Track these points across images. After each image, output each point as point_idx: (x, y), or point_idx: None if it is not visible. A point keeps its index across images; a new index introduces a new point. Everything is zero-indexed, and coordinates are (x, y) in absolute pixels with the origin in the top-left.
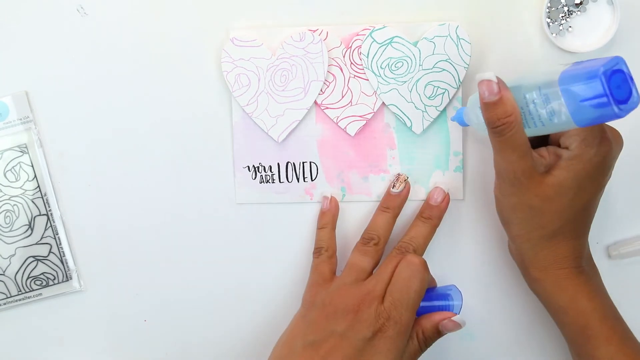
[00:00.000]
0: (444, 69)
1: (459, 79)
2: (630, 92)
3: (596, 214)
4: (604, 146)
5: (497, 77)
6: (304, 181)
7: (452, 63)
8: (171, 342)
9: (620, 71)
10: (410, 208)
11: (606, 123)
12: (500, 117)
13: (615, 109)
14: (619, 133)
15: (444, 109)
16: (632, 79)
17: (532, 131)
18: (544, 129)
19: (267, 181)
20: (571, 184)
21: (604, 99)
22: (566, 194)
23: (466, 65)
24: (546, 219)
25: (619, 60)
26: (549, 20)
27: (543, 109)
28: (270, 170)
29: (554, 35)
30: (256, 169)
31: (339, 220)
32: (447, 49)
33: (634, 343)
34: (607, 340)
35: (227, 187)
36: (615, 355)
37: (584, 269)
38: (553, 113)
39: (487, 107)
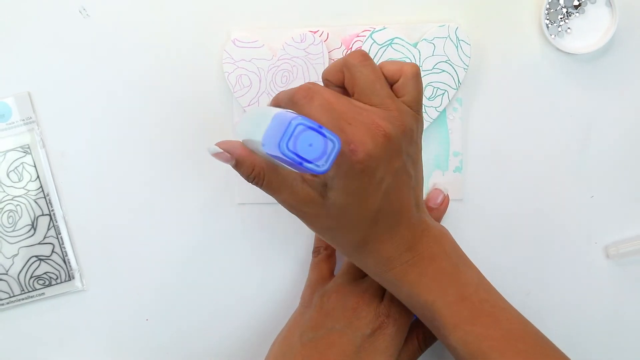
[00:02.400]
0: (443, 70)
1: (458, 80)
2: (325, 145)
3: (596, 214)
4: (357, 154)
5: (223, 142)
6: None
7: (452, 64)
8: (173, 341)
9: (304, 129)
10: None
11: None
12: (247, 174)
13: (315, 167)
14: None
15: (444, 110)
16: (318, 128)
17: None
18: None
19: None
20: (346, 201)
21: (300, 167)
22: (348, 210)
23: (466, 67)
24: (346, 235)
25: (295, 122)
26: (547, 21)
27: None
28: None
29: (553, 36)
30: None
31: None
32: (447, 50)
33: (488, 318)
34: (454, 326)
35: (227, 187)
36: (465, 337)
37: (418, 258)
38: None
39: (236, 170)
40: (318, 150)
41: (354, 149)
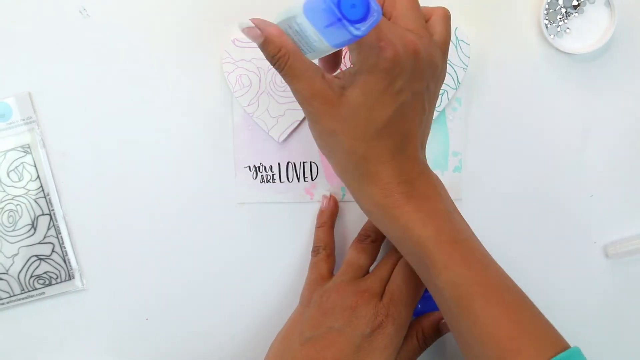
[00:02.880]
0: None
1: (458, 80)
2: (368, 10)
3: (595, 213)
4: (386, 52)
5: (256, 19)
6: (304, 181)
7: (451, 64)
8: (173, 340)
9: None
10: None
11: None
12: (273, 54)
13: (353, 30)
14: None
15: (443, 110)
16: None
17: (311, 56)
18: (318, 53)
19: (268, 181)
20: (362, 100)
21: (339, 24)
22: (359, 112)
23: (465, 67)
24: (349, 142)
25: None
26: (547, 22)
27: (305, 37)
28: (271, 170)
29: (552, 36)
30: (257, 168)
31: (338, 220)
32: None
33: (478, 264)
34: (444, 267)
35: (228, 187)
36: (455, 279)
37: (415, 193)
38: (314, 39)
39: (261, 49)
40: (359, 13)
41: (384, 46)
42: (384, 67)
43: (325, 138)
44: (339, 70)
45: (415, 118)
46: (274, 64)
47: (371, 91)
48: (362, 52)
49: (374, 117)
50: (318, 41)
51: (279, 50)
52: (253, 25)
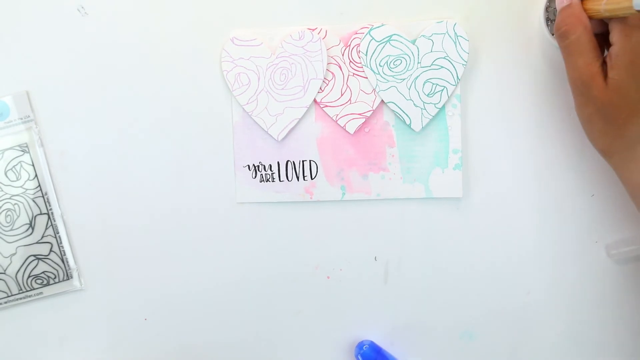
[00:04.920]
0: (442, 67)
1: (457, 76)
2: None
3: (596, 213)
4: None
5: None
6: (304, 180)
7: (451, 60)
8: (171, 340)
9: None
10: (411, 208)
11: None
12: (565, 19)
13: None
14: None
15: (443, 106)
16: None
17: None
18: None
19: (267, 180)
20: (628, 81)
21: None
22: (627, 93)
23: (464, 62)
24: (620, 125)
25: None
26: (547, 19)
27: None
28: (270, 169)
29: (552, 35)
30: (256, 167)
31: (338, 221)
32: (445, 46)
33: None
34: None
35: (227, 186)
36: None
37: None
38: None
39: (559, 13)
40: None
41: None
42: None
43: (595, 120)
44: None
45: None
46: (559, 30)
47: (636, 71)
48: (624, 31)
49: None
50: None
51: (573, 17)
52: None
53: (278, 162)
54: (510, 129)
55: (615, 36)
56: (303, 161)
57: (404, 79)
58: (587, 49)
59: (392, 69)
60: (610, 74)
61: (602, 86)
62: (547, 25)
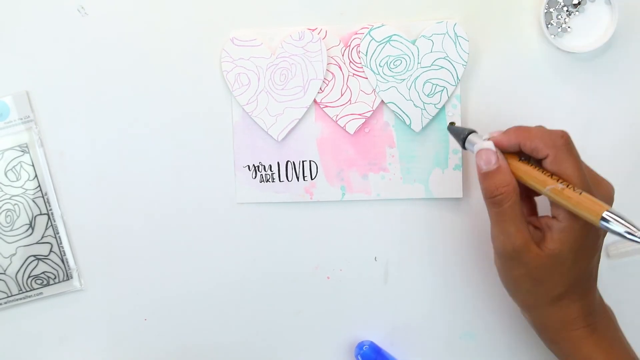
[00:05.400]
0: (442, 67)
1: (457, 77)
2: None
3: None
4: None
5: (496, 147)
6: (304, 180)
7: (450, 60)
8: (171, 341)
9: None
10: (411, 208)
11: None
12: (499, 187)
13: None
14: (610, 186)
15: (443, 107)
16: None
17: None
18: None
19: (267, 180)
20: (567, 255)
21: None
22: (564, 263)
23: (464, 63)
24: (549, 286)
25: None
26: (547, 20)
27: None
28: (270, 170)
29: (552, 35)
30: (256, 168)
31: (338, 221)
32: (445, 47)
33: None
34: None
35: (227, 187)
36: None
37: (597, 325)
38: None
39: (486, 177)
40: None
41: (607, 192)
42: (588, 229)
43: (522, 281)
44: None
45: (594, 265)
46: (492, 196)
47: (577, 248)
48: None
49: (576, 266)
50: None
51: (507, 185)
52: (493, 149)
53: (278, 163)
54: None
55: (562, 215)
56: (303, 161)
57: (404, 79)
58: (519, 215)
59: (392, 69)
60: (550, 245)
61: (535, 252)
62: (547, 26)
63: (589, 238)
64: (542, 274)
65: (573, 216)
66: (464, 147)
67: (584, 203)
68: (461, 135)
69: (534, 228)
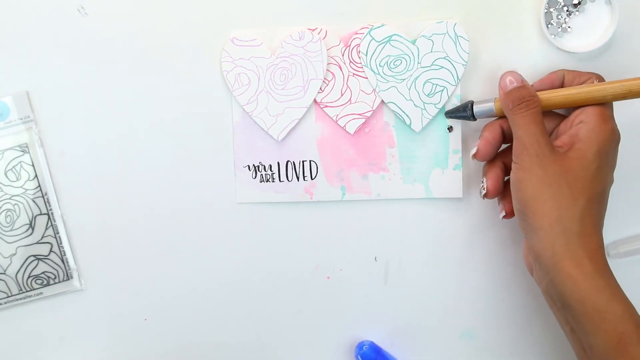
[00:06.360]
0: (442, 67)
1: (457, 76)
2: None
3: None
4: (614, 126)
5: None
6: (304, 180)
7: (451, 60)
8: (171, 341)
9: None
10: (411, 208)
11: None
12: (525, 96)
13: None
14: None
15: (443, 107)
16: None
17: None
18: None
19: (267, 180)
20: (593, 157)
21: None
22: (589, 168)
23: (464, 63)
24: (574, 194)
25: None
26: (547, 20)
27: None
28: (270, 170)
29: (552, 36)
30: (256, 168)
31: (338, 221)
32: (445, 47)
33: None
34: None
35: (227, 187)
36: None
37: (605, 265)
38: None
39: (510, 92)
40: None
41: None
42: (612, 138)
43: (547, 183)
44: None
45: (608, 192)
46: (520, 103)
47: (602, 152)
48: (603, 115)
49: (598, 176)
50: None
51: (533, 95)
52: (518, 73)
53: (278, 163)
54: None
55: (592, 117)
56: (303, 161)
57: (404, 79)
58: (542, 121)
59: (392, 69)
60: (578, 145)
61: (559, 154)
62: (548, 27)
63: (612, 144)
64: (567, 178)
65: (600, 117)
66: (473, 117)
67: (633, 81)
68: (466, 107)
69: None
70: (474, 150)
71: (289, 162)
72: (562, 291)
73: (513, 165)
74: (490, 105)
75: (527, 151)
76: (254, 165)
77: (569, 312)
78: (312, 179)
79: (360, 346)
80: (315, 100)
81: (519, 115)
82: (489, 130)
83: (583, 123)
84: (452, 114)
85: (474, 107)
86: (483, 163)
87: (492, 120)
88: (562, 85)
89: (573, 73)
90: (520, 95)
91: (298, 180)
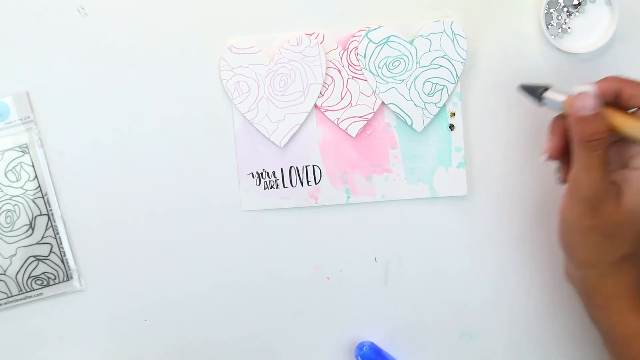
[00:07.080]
0: (441, 66)
1: (456, 75)
2: None
3: None
4: None
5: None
6: (308, 185)
7: (449, 59)
8: (171, 341)
9: None
10: (416, 208)
11: None
12: (598, 132)
13: None
14: None
15: (444, 105)
16: None
17: None
18: None
19: (272, 187)
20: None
21: None
22: (638, 221)
23: (463, 60)
24: (617, 244)
25: None
26: (547, 21)
27: None
28: (274, 176)
29: (552, 36)
30: (260, 175)
31: (344, 224)
32: (443, 45)
33: None
34: None
35: (232, 195)
36: None
37: None
38: None
39: (583, 121)
40: None
41: None
42: None
43: (592, 233)
44: None
45: None
46: (589, 140)
47: None
48: None
49: None
50: None
51: (604, 131)
52: (594, 93)
53: (281, 169)
54: (512, 125)
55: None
56: (306, 166)
57: (403, 80)
58: (606, 164)
59: (391, 70)
60: (629, 197)
61: (613, 204)
62: (548, 27)
63: None
64: (615, 228)
65: None
66: (540, 102)
67: None
68: (537, 90)
69: (609, 182)
70: (543, 158)
71: (293, 168)
72: (597, 320)
73: (566, 188)
74: (560, 102)
75: (579, 198)
76: (257, 172)
77: (604, 338)
78: (316, 184)
79: (360, 347)
80: (315, 105)
81: (584, 155)
82: (556, 134)
83: (637, 171)
84: (524, 89)
85: (546, 94)
86: (486, 161)
87: (557, 114)
88: (615, 98)
89: (632, 85)
90: (594, 132)
91: (302, 185)
